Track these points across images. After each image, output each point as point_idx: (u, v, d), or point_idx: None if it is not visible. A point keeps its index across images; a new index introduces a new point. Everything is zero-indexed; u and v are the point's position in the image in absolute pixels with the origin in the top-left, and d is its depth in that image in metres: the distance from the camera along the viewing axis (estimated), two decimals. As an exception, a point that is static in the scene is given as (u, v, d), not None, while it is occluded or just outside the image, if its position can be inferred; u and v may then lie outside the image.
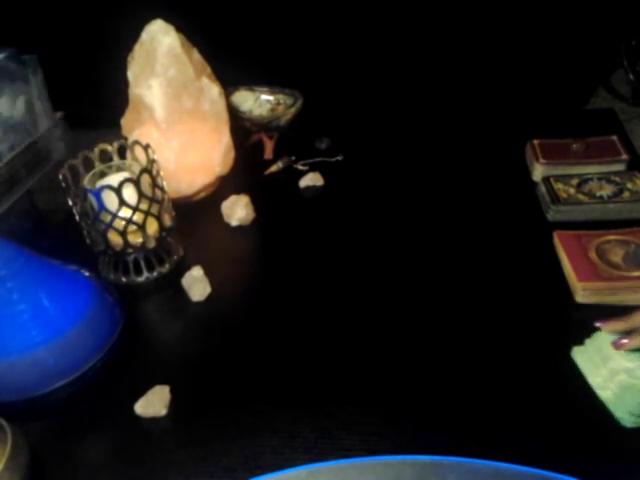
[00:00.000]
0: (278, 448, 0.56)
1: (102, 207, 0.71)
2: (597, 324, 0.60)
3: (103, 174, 0.77)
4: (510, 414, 0.58)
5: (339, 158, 1.02)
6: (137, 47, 0.86)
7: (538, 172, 0.90)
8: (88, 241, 0.76)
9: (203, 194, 0.94)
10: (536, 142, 0.94)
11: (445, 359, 0.64)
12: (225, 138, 0.93)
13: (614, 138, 0.93)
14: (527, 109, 1.12)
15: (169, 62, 0.84)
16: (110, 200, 0.71)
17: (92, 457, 0.58)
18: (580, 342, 0.62)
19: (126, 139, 0.87)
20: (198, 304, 0.75)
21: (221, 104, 0.92)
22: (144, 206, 0.73)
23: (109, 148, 0.79)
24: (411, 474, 0.48)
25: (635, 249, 0.71)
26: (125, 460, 0.57)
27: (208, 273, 0.76)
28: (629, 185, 0.83)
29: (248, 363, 0.66)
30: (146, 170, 0.73)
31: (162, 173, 0.78)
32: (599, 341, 0.59)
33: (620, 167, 0.88)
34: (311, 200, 0.94)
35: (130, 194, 0.71)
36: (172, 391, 0.62)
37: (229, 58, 0.97)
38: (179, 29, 0.86)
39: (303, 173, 0.98)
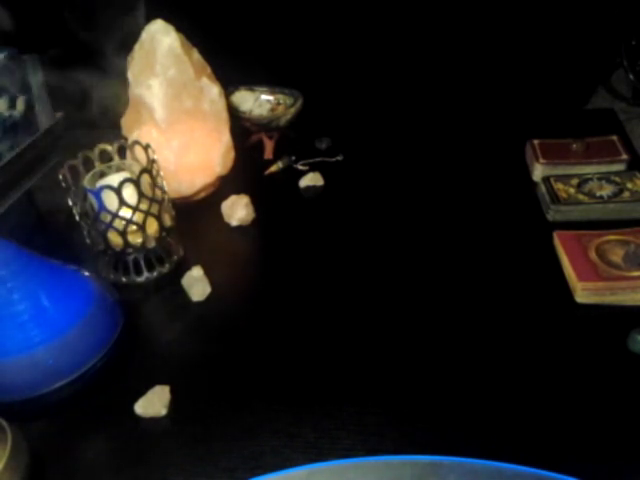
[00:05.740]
0: (278, 448, 0.56)
1: (102, 207, 0.71)
2: None
3: (103, 174, 0.77)
4: (510, 414, 0.58)
5: (339, 158, 1.02)
6: (137, 47, 0.86)
7: (538, 172, 0.90)
8: (88, 241, 0.76)
9: (203, 194, 0.94)
10: (536, 142, 0.94)
11: (445, 359, 0.64)
12: (225, 138, 0.93)
13: (614, 138, 0.93)
14: (527, 109, 1.12)
15: (169, 62, 0.84)
16: (110, 200, 0.71)
17: (92, 457, 0.58)
18: (580, 342, 0.62)
19: (126, 139, 0.87)
20: (198, 304, 0.75)
21: (221, 104, 0.92)
22: (144, 206, 0.73)
23: (109, 148, 0.79)
24: (411, 474, 0.48)
25: (635, 249, 0.71)
26: (125, 460, 0.57)
27: (208, 273, 0.76)
28: (629, 185, 0.83)
29: (248, 363, 0.66)
30: (146, 170, 0.73)
31: (162, 173, 0.78)
32: None
33: (620, 167, 0.88)
34: (311, 200, 0.94)
35: (130, 194, 0.71)
36: (172, 391, 0.62)
37: (229, 58, 0.97)
38: (179, 29, 0.86)
39: (303, 173, 0.98)
